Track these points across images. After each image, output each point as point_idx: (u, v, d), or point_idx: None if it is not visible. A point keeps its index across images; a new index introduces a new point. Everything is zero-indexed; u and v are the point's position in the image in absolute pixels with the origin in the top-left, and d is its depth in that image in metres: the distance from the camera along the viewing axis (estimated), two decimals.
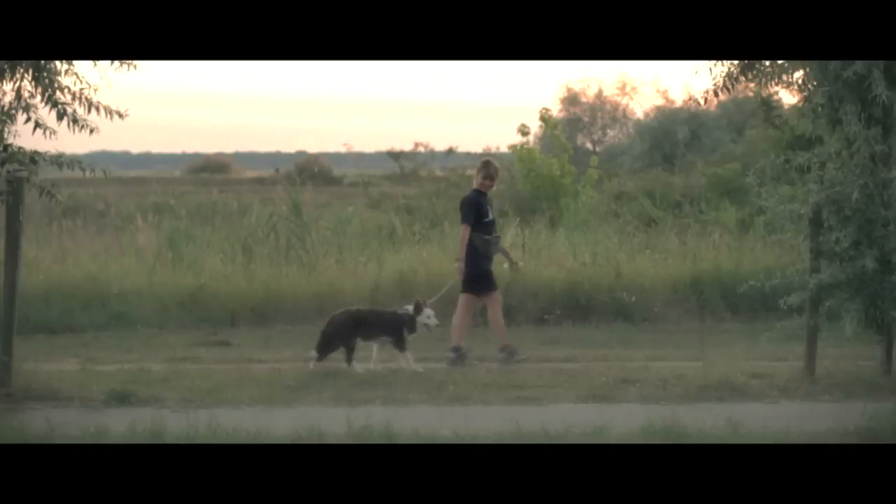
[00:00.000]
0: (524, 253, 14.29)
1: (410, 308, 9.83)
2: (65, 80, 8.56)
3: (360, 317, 9.80)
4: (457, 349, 10.29)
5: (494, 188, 10.88)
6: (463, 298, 10.52)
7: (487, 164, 10.75)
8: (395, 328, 9.75)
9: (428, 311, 9.79)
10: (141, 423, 7.05)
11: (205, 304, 12.96)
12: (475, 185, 10.72)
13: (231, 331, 12.43)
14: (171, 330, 12.37)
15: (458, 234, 15.77)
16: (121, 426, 7.09)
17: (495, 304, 10.57)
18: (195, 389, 8.63)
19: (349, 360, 9.64)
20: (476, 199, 10.58)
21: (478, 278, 10.47)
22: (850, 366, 9.37)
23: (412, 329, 9.79)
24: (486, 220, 10.52)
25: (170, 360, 10.34)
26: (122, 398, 8.24)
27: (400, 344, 9.73)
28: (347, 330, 9.67)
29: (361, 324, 9.73)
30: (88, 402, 8.23)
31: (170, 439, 6.79)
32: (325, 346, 9.71)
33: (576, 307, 13.03)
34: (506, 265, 10.77)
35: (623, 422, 7.31)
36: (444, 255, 14.16)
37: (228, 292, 13.19)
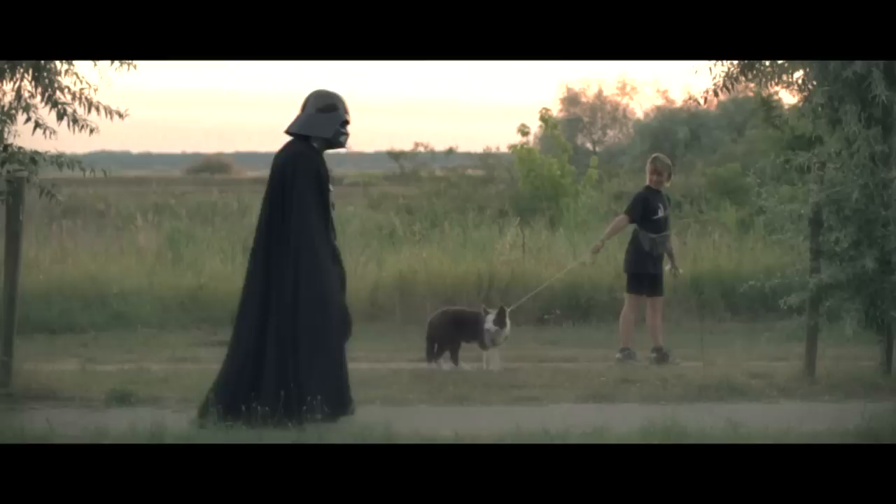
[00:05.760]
0: (524, 253, 14.30)
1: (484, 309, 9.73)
2: (65, 80, 8.55)
3: (457, 317, 9.71)
4: (657, 349, 10.34)
5: (667, 184, 10.67)
6: (628, 298, 10.51)
7: (654, 160, 10.71)
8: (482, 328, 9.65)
9: (487, 318, 9.61)
10: (141, 423, 7.04)
11: (205, 304, 12.95)
12: (646, 181, 10.63)
13: (231, 331, 12.40)
14: (171, 330, 12.36)
15: (457, 234, 15.89)
16: (121, 426, 7.09)
17: (655, 307, 10.50)
18: (195, 389, 8.61)
19: (435, 359, 9.60)
20: (645, 195, 10.48)
21: (639, 278, 10.43)
22: (850, 366, 9.37)
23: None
24: (655, 217, 10.37)
25: (170, 360, 10.34)
26: (122, 398, 8.23)
27: (483, 345, 9.63)
28: (447, 331, 9.61)
29: (459, 325, 9.65)
30: (88, 402, 8.22)
31: (170, 439, 6.79)
32: (432, 350, 9.70)
33: (576, 307, 13.03)
34: (667, 267, 10.64)
35: (623, 422, 7.31)
36: (444, 255, 14.17)
37: (228, 292, 13.15)
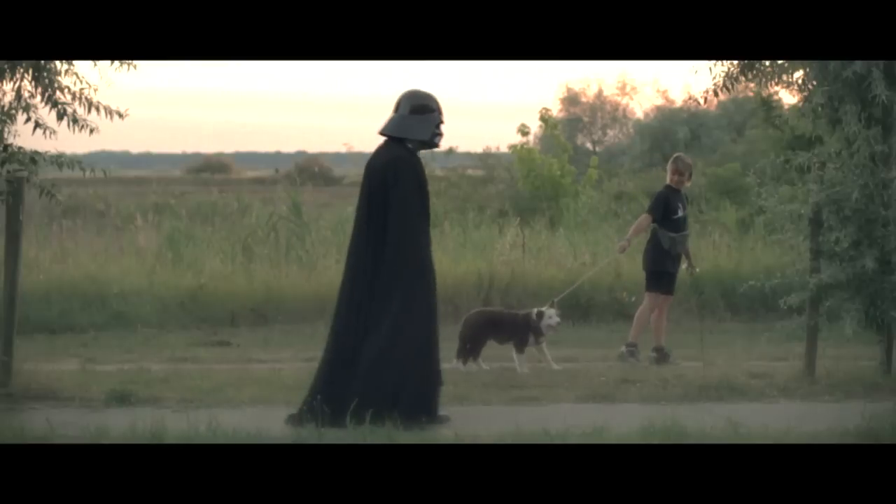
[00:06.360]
0: (524, 253, 14.30)
1: (538, 311, 9.72)
2: (65, 80, 8.55)
3: (494, 318, 9.71)
4: (658, 349, 10.39)
5: (688, 184, 10.77)
6: (647, 296, 10.58)
7: (676, 160, 10.75)
8: (522, 330, 9.65)
9: (549, 312, 9.67)
10: (141, 423, 7.04)
11: (205, 304, 12.95)
12: (667, 180, 10.69)
13: (231, 331, 12.43)
14: (171, 330, 12.36)
15: (457, 234, 15.88)
16: (121, 426, 7.08)
17: (660, 305, 10.56)
18: (195, 389, 8.63)
19: (465, 359, 9.57)
20: (666, 194, 10.53)
21: (657, 275, 10.49)
22: (850, 366, 9.37)
23: (538, 332, 9.69)
24: (675, 216, 10.45)
25: (170, 360, 10.33)
26: (122, 398, 8.23)
27: (520, 346, 9.64)
28: (483, 331, 9.61)
29: (495, 325, 9.65)
30: (88, 402, 8.22)
31: (170, 439, 6.79)
32: (463, 349, 9.68)
33: (576, 307, 13.02)
34: (684, 266, 10.73)
35: (623, 422, 7.31)
36: (443, 255, 14.15)
37: (228, 292, 13.18)
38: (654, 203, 10.56)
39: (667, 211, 10.43)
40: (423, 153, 7.99)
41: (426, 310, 7.52)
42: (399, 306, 7.43)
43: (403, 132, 7.72)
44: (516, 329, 9.67)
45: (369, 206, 7.61)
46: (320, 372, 7.60)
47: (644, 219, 10.60)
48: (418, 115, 7.72)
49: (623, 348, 10.38)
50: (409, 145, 7.75)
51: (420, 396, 7.41)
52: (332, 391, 7.40)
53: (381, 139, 7.85)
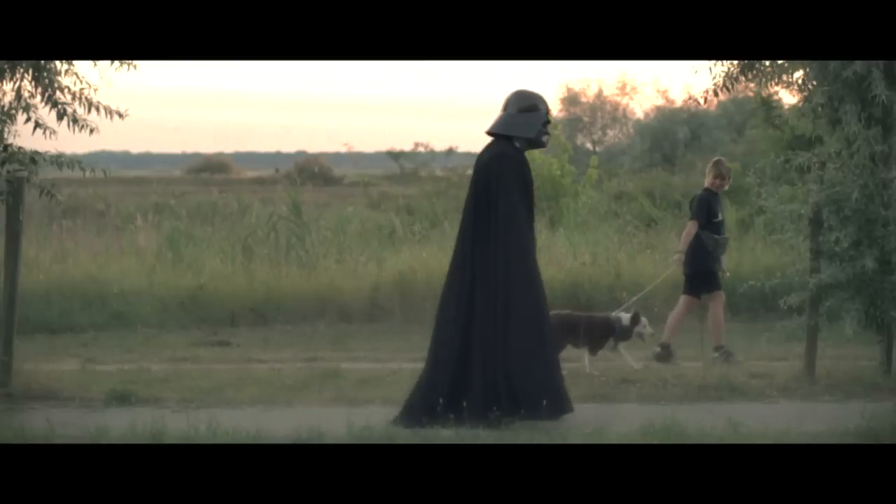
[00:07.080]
0: None
1: (624, 315, 9.68)
2: (65, 80, 8.56)
3: (571, 321, 9.61)
4: (665, 346, 10.43)
5: (726, 188, 10.87)
6: (684, 299, 10.64)
7: (718, 164, 10.79)
8: (600, 333, 9.60)
9: (644, 321, 9.69)
10: (141, 423, 7.05)
11: (205, 304, 12.97)
12: (706, 183, 10.74)
13: (231, 331, 12.44)
14: (171, 330, 12.38)
15: (456, 235, 15.84)
16: (121, 426, 7.09)
17: (718, 301, 10.62)
18: (195, 389, 8.64)
19: None
20: (707, 198, 10.61)
21: (701, 275, 10.56)
22: (850, 366, 9.37)
23: (624, 336, 9.66)
24: (716, 220, 10.55)
25: (170, 360, 10.34)
26: (122, 398, 8.24)
27: (595, 349, 9.59)
28: (558, 334, 9.54)
29: (572, 329, 9.54)
30: (88, 402, 8.23)
31: (170, 439, 6.79)
32: None
33: (576, 307, 13.01)
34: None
35: (623, 422, 7.31)
36: (444, 255, 14.15)
37: (228, 292, 13.19)
38: (697, 208, 10.61)
39: (709, 214, 10.54)
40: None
41: (539, 315, 7.56)
42: (511, 314, 7.46)
43: (510, 130, 7.79)
44: (593, 333, 9.57)
45: (476, 203, 7.70)
46: (428, 373, 7.61)
47: (692, 226, 10.63)
48: (526, 113, 7.80)
49: (714, 354, 10.40)
50: (517, 144, 7.82)
51: (549, 394, 7.43)
52: (444, 392, 7.43)
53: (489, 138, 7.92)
